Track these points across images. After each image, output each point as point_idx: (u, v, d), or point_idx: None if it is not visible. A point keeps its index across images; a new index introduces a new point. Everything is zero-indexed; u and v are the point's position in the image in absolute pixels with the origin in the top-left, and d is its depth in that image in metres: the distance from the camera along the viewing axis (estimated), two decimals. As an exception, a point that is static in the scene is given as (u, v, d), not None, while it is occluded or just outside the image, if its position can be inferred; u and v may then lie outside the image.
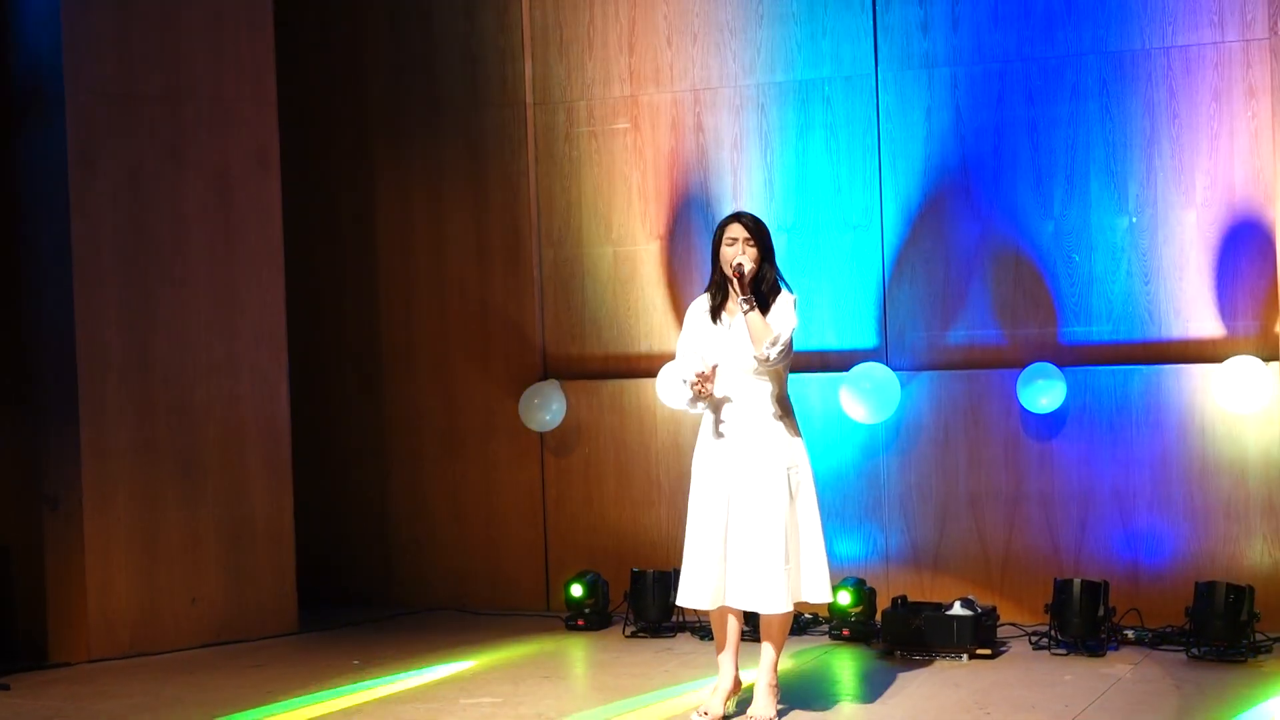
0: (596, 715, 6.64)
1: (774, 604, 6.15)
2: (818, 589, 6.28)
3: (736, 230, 6.24)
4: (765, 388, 6.25)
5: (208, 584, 8.25)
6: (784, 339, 6.15)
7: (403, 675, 7.40)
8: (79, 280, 7.89)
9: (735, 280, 6.21)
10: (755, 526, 6.17)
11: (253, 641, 8.28)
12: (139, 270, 8.08)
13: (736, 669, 6.39)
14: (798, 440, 6.29)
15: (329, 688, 7.18)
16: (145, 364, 8.09)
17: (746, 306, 6.17)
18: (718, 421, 6.31)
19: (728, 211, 8.04)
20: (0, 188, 8.17)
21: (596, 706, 6.78)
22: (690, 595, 6.30)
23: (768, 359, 6.14)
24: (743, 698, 6.43)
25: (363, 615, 8.92)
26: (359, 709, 6.80)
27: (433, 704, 6.81)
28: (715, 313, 6.34)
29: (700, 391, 6.16)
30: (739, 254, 6.20)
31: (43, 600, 8.07)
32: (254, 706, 6.86)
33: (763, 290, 6.25)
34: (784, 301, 6.26)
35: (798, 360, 7.88)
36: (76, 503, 7.90)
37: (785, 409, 6.31)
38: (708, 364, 6.22)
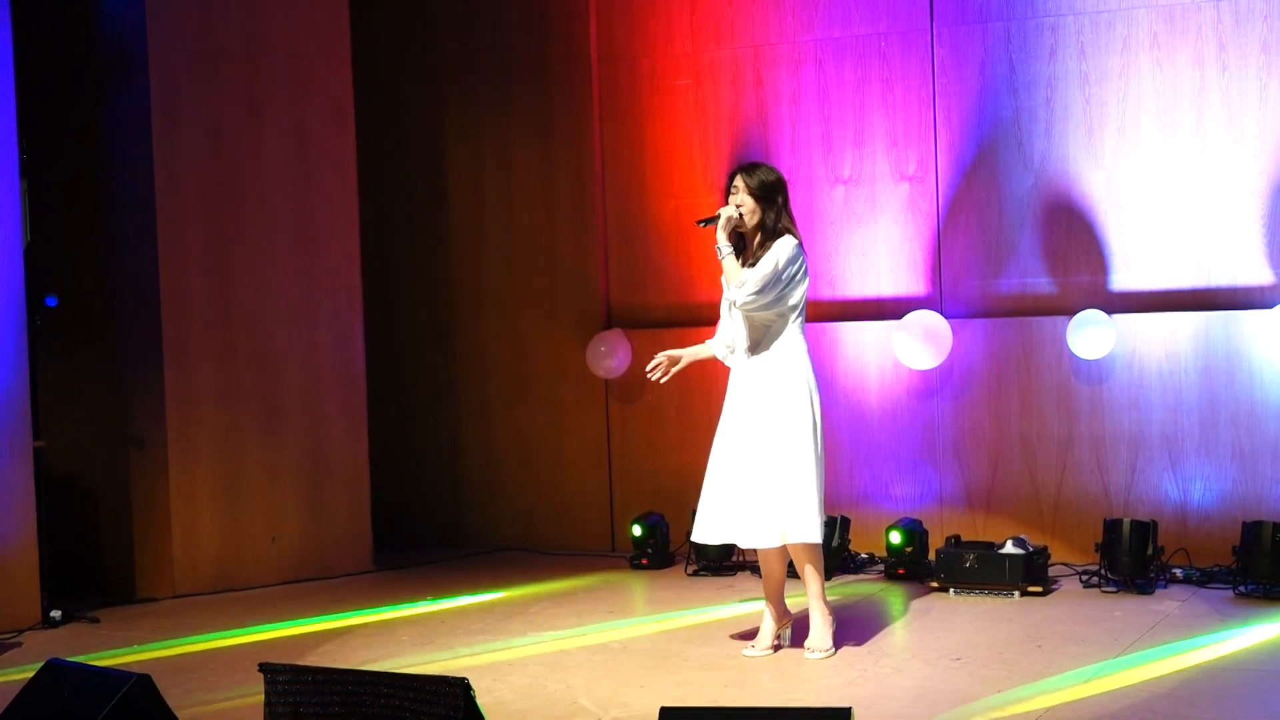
0: (657, 642, 6.81)
1: (755, 538, 6.35)
2: (804, 529, 6.30)
3: (737, 181, 6.44)
4: (766, 330, 6.39)
5: (287, 523, 8.45)
6: (750, 282, 6.27)
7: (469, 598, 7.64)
8: (163, 232, 8.08)
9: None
10: (744, 464, 6.37)
11: (330, 579, 8.47)
12: (220, 222, 8.26)
13: (783, 602, 6.56)
14: (798, 382, 6.36)
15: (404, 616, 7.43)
16: (227, 312, 8.28)
17: (722, 252, 6.40)
18: (733, 364, 6.54)
19: (785, 164, 8.27)
20: (87, 143, 8.37)
21: (657, 635, 6.96)
22: (697, 531, 6.56)
23: (735, 301, 6.34)
24: (797, 629, 6.57)
25: (434, 555, 9.12)
26: (432, 623, 7.02)
27: (499, 638, 6.98)
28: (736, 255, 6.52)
29: (657, 375, 6.59)
30: (730, 203, 6.44)
31: (129, 539, 8.27)
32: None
33: (759, 237, 6.40)
34: (777, 246, 6.35)
35: (853, 308, 8.06)
36: (161, 445, 8.10)
37: (788, 349, 6.38)
38: (665, 357, 6.59)
